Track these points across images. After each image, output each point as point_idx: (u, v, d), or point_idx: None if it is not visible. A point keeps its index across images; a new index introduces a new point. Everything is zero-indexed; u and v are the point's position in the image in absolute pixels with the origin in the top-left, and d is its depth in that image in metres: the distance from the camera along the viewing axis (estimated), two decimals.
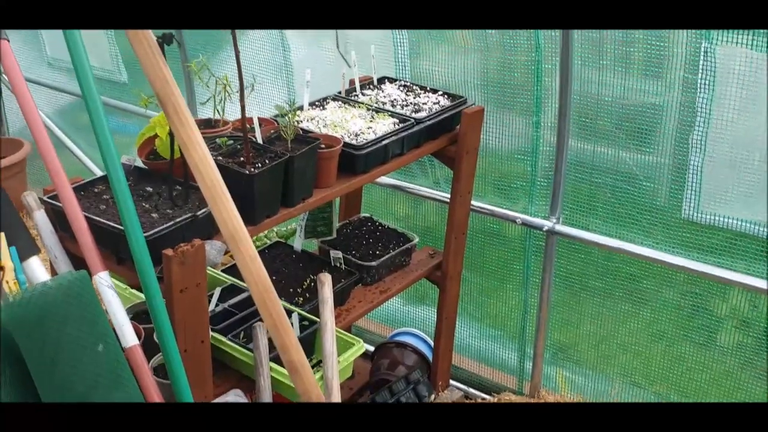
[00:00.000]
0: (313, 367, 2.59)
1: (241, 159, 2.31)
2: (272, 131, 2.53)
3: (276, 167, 2.29)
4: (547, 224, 3.16)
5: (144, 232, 2.00)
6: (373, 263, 2.98)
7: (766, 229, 2.81)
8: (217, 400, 2.29)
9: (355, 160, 2.58)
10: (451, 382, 3.50)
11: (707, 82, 2.67)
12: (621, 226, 3.06)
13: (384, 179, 3.50)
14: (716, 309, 3.24)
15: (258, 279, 1.85)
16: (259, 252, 3.03)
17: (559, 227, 3.15)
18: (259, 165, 2.28)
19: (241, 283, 2.73)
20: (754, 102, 2.63)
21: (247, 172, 2.23)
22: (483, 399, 3.40)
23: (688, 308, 3.23)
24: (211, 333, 2.28)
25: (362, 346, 2.58)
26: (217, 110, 2.42)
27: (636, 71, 2.89)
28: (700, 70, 2.69)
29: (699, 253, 2.94)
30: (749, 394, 3.13)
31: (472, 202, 3.19)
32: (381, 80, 3.19)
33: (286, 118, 2.49)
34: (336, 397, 2.30)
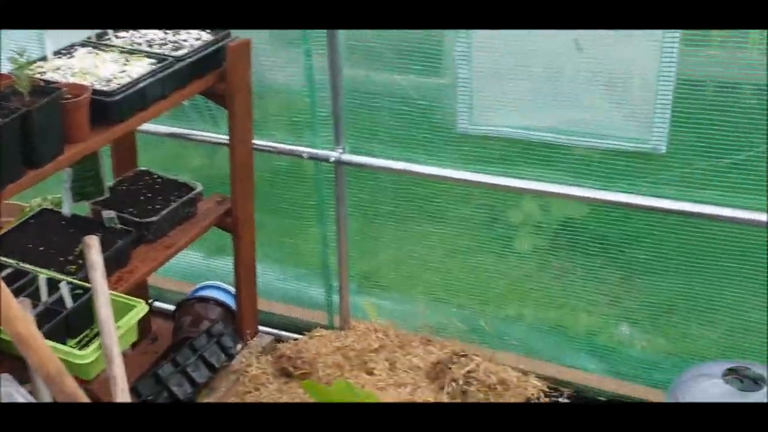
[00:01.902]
0: (93, 337, 2.41)
1: None
2: (7, 87, 2.25)
3: (9, 126, 2.04)
4: (333, 155, 3.10)
5: None
6: (153, 218, 2.79)
7: (539, 134, 2.92)
8: None
9: (108, 108, 2.36)
10: (261, 328, 3.41)
11: None
12: (404, 148, 3.05)
13: (162, 128, 3.29)
14: (510, 218, 3.35)
15: None
16: (24, 222, 2.78)
17: (346, 156, 3.10)
18: None
19: None
20: None
21: None
22: (295, 339, 3.34)
23: (482, 220, 3.31)
24: None
25: (144, 308, 2.41)
26: None
27: None
28: None
29: (481, 165, 2.99)
30: (546, 293, 3.28)
31: (255, 141, 3.06)
32: None
33: (22, 69, 2.23)
34: (118, 365, 2.14)
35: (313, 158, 3.16)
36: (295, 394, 3.05)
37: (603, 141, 2.79)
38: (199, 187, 3.02)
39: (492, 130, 2.90)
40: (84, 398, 1.32)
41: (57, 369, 1.61)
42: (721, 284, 2.97)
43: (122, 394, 2.04)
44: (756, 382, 2.37)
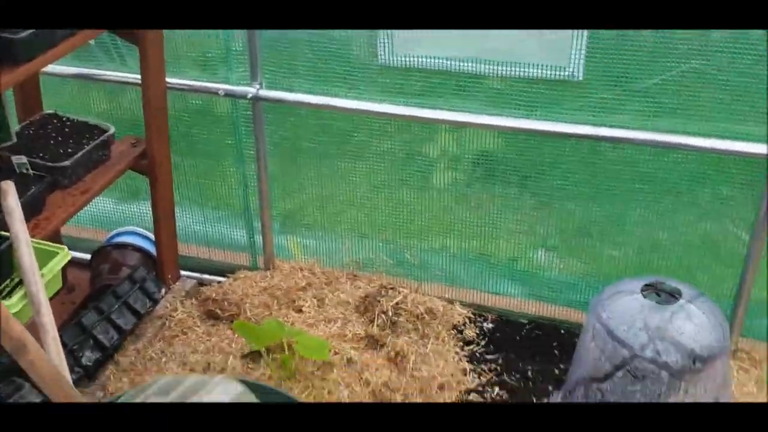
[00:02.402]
0: (15, 287, 2.31)
1: None
2: None
3: None
4: (250, 91, 3.02)
5: None
6: (66, 163, 2.66)
7: (460, 63, 2.92)
8: None
9: (14, 45, 2.21)
10: (183, 272, 3.34)
11: None
12: (324, 81, 3.00)
13: (67, 69, 3.12)
14: (428, 152, 3.37)
15: None
16: None
17: (263, 92, 3.03)
18: None
19: None
20: None
21: None
22: (219, 282, 3.30)
23: (401, 155, 3.32)
24: None
25: (67, 254, 2.32)
26: None
27: None
28: None
29: (402, 97, 2.99)
30: (465, 224, 3.34)
31: (169, 80, 2.94)
32: None
33: None
34: (46, 314, 2.06)
35: (230, 95, 3.07)
36: (224, 335, 3.03)
37: (522, 69, 2.83)
38: (112, 129, 2.89)
39: (413, 60, 2.88)
40: (33, 341, 1.26)
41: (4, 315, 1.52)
42: (630, 207, 3.10)
43: (53, 343, 1.97)
44: (672, 295, 2.50)
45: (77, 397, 1.24)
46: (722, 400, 2.48)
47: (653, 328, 2.41)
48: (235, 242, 3.49)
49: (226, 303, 3.13)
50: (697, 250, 3.09)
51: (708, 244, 3.08)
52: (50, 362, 1.22)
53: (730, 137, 2.70)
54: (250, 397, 1.81)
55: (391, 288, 3.19)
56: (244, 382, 1.86)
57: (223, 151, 3.29)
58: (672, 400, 2.38)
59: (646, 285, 2.55)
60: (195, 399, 1.72)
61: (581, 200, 3.17)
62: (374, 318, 3.07)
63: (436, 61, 2.90)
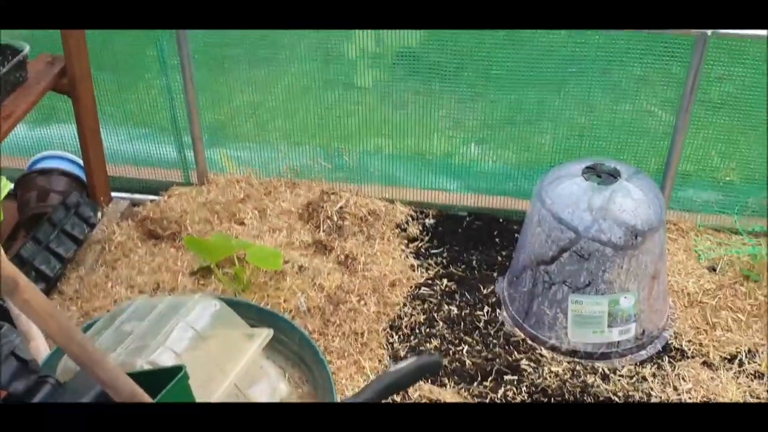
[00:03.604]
0: None
1: None
2: None
3: None
4: None
5: None
6: None
7: None
8: None
9: None
10: (114, 194, 3.23)
11: None
12: None
13: None
14: (348, 53, 3.32)
15: None
16: None
17: None
18: None
19: None
20: None
21: None
22: (152, 201, 3.20)
23: (322, 58, 3.25)
24: None
25: (7, 184, 2.20)
26: None
27: None
28: None
29: None
30: (394, 124, 3.34)
31: None
32: None
33: None
34: None
35: None
36: (169, 254, 2.97)
37: None
38: (26, 48, 2.69)
39: None
40: (24, 278, 1.19)
41: None
42: (552, 91, 3.16)
43: None
44: (612, 175, 2.60)
45: (74, 329, 1.20)
46: (660, 270, 2.63)
47: (596, 208, 2.51)
48: (164, 158, 3.38)
49: (165, 221, 3.05)
50: (621, 130, 3.20)
51: (631, 123, 3.19)
52: (45, 298, 1.17)
53: None
54: (229, 312, 1.80)
55: (333, 193, 3.19)
56: (218, 298, 1.85)
57: (145, 63, 3.15)
58: (614, 272, 2.52)
59: (586, 167, 2.65)
60: (175, 320, 1.70)
61: (505, 90, 3.21)
62: (319, 224, 3.07)
63: None
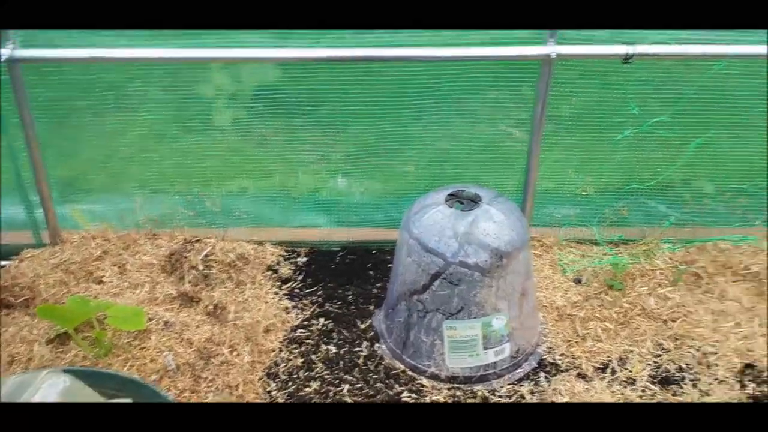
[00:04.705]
0: None
1: None
2: None
3: None
4: (3, 53, 2.70)
5: None
6: None
7: None
8: None
9: None
10: None
11: None
12: (89, 33, 2.75)
13: None
14: (203, 93, 3.23)
15: None
16: None
17: (19, 52, 2.72)
18: None
19: None
20: None
21: None
22: (1, 266, 2.99)
23: (176, 102, 3.15)
24: None
25: None
26: None
27: None
28: None
29: (173, 39, 2.81)
30: (255, 163, 3.27)
31: None
32: None
33: None
34: None
35: None
36: (23, 323, 2.76)
37: None
38: None
39: None
40: None
41: None
42: (411, 120, 3.19)
43: None
44: (473, 200, 2.63)
45: None
46: (528, 288, 2.68)
47: (461, 234, 2.53)
48: (12, 220, 3.16)
49: (17, 288, 2.85)
50: (482, 154, 3.27)
51: (491, 146, 3.26)
52: None
53: (504, 43, 2.82)
54: (80, 387, 1.67)
55: (197, 240, 3.08)
56: (68, 371, 1.71)
57: None
58: (484, 295, 2.54)
59: (449, 195, 2.67)
60: (24, 400, 1.56)
61: (366, 122, 3.21)
62: (184, 275, 2.95)
63: None
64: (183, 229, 3.20)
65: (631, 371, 2.68)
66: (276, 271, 3.09)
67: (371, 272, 3.14)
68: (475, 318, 2.57)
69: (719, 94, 3.02)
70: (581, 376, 2.66)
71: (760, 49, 2.77)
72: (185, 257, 2.99)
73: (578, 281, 3.06)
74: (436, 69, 3.09)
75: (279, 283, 3.04)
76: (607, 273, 3.06)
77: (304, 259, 3.19)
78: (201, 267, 2.97)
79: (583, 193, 3.30)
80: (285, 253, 3.19)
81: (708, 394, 2.58)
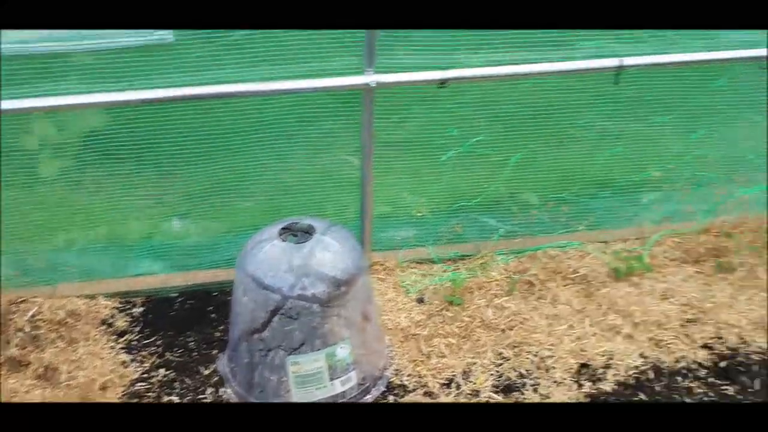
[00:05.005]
0: None
1: None
2: None
3: None
4: None
5: None
6: None
7: (38, 45, 2.68)
8: None
9: None
10: None
11: None
12: None
13: None
14: (25, 145, 3.08)
15: None
16: None
17: None
18: None
19: None
20: None
21: None
22: None
23: None
24: None
25: None
26: None
27: None
28: None
29: None
30: (85, 213, 3.14)
31: None
32: None
33: None
34: None
35: None
36: None
37: (110, 41, 2.68)
38: None
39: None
40: None
41: None
42: (248, 156, 3.18)
43: None
44: (307, 232, 2.63)
45: None
46: (370, 313, 2.70)
47: (297, 267, 2.52)
48: None
49: None
50: (321, 184, 3.29)
51: (330, 175, 3.29)
52: None
53: (324, 75, 2.86)
54: None
55: (22, 301, 2.90)
56: None
57: None
58: (325, 326, 2.54)
59: (282, 229, 2.66)
60: None
61: (202, 161, 3.16)
62: (10, 338, 2.77)
63: (10, 46, 2.62)
64: (7, 291, 3.00)
65: (474, 383, 2.75)
66: (111, 325, 2.96)
67: (213, 315, 3.07)
68: (318, 350, 2.56)
69: (534, 110, 3.20)
70: (428, 394, 2.71)
71: (559, 66, 2.94)
72: (10, 320, 2.82)
73: (421, 300, 3.13)
74: (265, 103, 3.09)
75: (115, 337, 2.91)
76: (447, 289, 3.15)
77: (141, 309, 3.07)
78: (28, 328, 2.80)
79: (419, 214, 3.39)
80: (120, 305, 3.06)
81: (548, 397, 2.69)
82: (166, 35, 2.74)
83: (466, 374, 2.79)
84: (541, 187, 3.38)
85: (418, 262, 3.34)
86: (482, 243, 3.36)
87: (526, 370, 2.81)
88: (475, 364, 2.83)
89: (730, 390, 2.72)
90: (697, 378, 2.77)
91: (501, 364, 2.83)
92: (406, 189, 3.38)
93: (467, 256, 3.35)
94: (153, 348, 2.89)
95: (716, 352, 2.88)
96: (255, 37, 2.84)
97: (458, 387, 2.73)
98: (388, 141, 3.27)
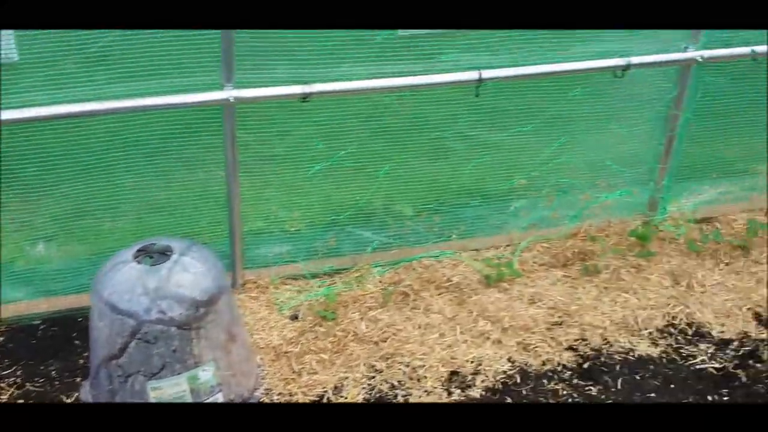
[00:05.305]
0: None
1: None
2: None
3: None
4: None
5: None
6: None
7: None
8: None
9: None
10: None
11: None
12: None
13: None
14: None
15: None
16: None
17: None
18: None
19: None
20: None
21: None
22: None
23: None
24: None
25: None
26: None
27: None
28: None
29: None
30: None
31: None
32: None
33: None
34: None
35: None
36: None
37: None
38: None
39: None
40: None
41: None
42: (112, 176, 3.09)
43: None
44: (164, 253, 2.57)
45: None
46: (237, 333, 2.66)
47: (152, 289, 2.46)
48: None
49: None
50: (194, 200, 3.23)
51: (199, 192, 3.23)
52: None
53: (186, 91, 2.80)
54: None
55: None
56: None
57: None
58: (185, 348, 2.48)
59: (137, 250, 2.58)
60: None
61: (70, 181, 3.06)
62: None
63: None
64: None
65: (346, 398, 2.74)
66: None
67: (77, 342, 2.96)
68: (179, 374, 2.50)
69: (405, 122, 3.23)
70: None
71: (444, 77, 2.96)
72: None
73: (295, 317, 3.10)
74: (129, 121, 3.01)
75: None
76: (321, 305, 3.13)
77: (1, 339, 2.94)
78: None
79: (293, 229, 3.37)
80: None
81: None
82: (11, 53, 2.64)
83: (337, 389, 2.78)
84: (414, 198, 3.41)
85: (293, 278, 3.31)
86: (358, 256, 3.36)
87: (398, 381, 2.82)
88: (347, 378, 2.82)
89: (593, 390, 2.80)
90: (562, 380, 2.84)
91: (373, 377, 2.83)
92: (280, 204, 3.35)
93: (344, 269, 3.35)
94: (11, 379, 2.76)
95: (580, 353, 2.96)
96: (113, 51, 2.77)
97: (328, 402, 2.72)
98: (263, 155, 3.23)
